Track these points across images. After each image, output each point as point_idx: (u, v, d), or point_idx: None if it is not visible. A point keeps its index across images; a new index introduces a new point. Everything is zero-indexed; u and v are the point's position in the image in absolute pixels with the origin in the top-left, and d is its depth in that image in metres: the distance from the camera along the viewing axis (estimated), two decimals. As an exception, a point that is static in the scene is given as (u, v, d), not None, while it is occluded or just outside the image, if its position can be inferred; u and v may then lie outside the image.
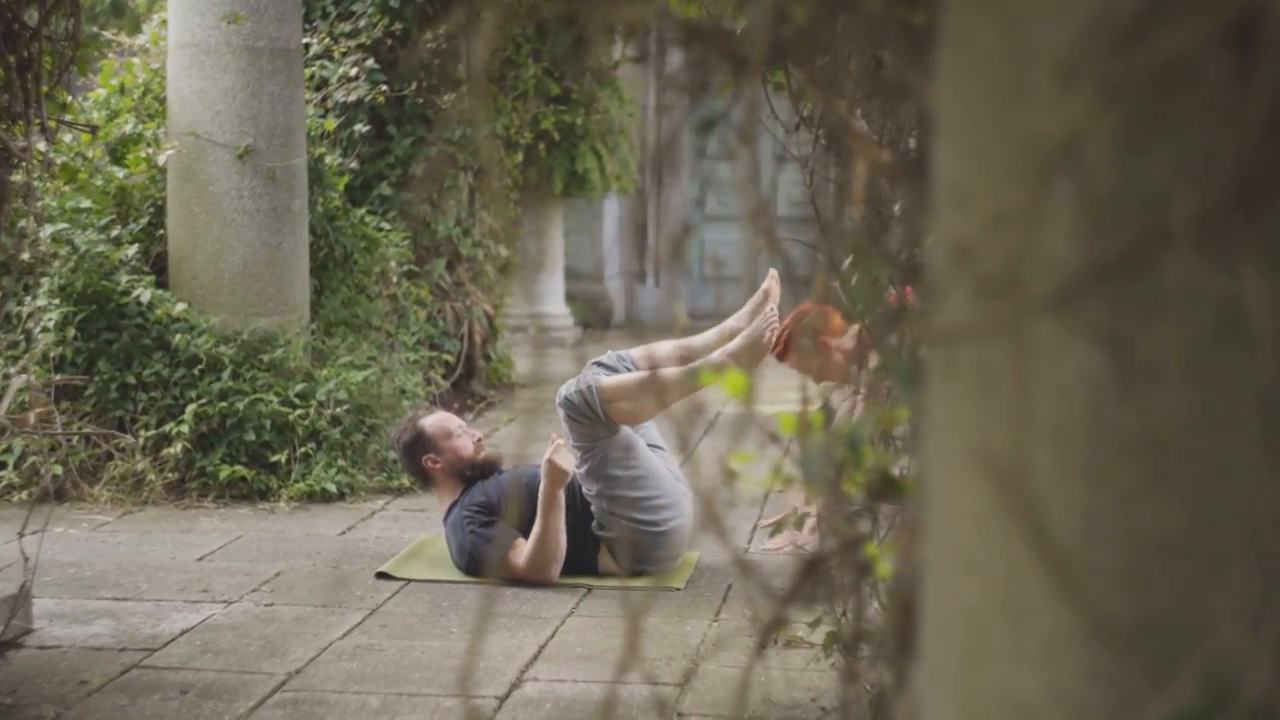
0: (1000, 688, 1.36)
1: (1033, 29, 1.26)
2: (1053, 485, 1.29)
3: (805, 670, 4.58)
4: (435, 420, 5.89)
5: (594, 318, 15.17)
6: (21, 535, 4.38)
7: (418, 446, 5.81)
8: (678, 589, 5.59)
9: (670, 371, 5.85)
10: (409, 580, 5.66)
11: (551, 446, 5.59)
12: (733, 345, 5.81)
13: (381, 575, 5.71)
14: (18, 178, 4.46)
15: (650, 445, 5.92)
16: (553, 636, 4.98)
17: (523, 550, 5.57)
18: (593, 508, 5.70)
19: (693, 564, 5.91)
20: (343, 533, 6.48)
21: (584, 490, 5.71)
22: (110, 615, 5.17)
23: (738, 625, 5.10)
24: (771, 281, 5.93)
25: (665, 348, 6.20)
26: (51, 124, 4.71)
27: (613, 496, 5.64)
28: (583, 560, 5.71)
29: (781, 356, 5.86)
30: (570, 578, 5.66)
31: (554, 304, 13.81)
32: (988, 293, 1.28)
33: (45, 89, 4.65)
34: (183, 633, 4.97)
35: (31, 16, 4.63)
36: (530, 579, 5.55)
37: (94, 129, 5.66)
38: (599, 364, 5.85)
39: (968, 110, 1.31)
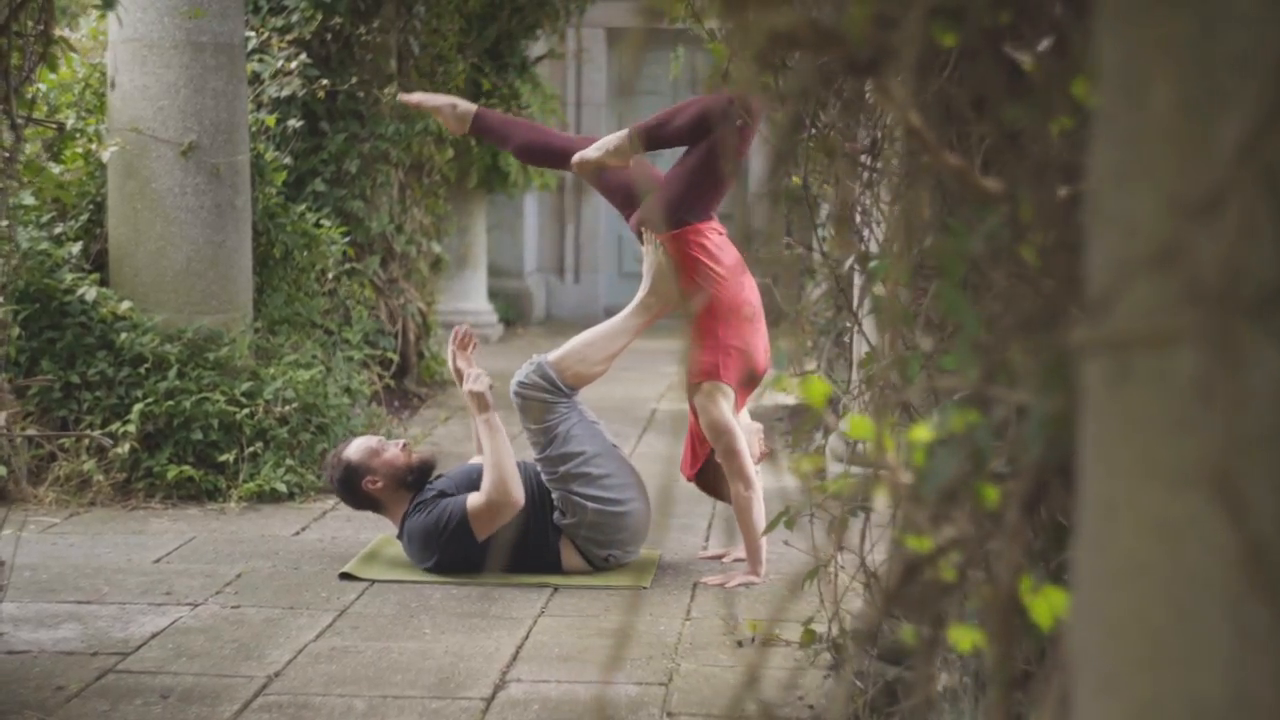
0: (1181, 694, 1.36)
1: (1231, 34, 1.27)
2: (1247, 491, 1.30)
3: (788, 669, 4.60)
4: (357, 446, 5.88)
5: (515, 314, 15.13)
6: (-5, 539, 4.31)
7: (353, 476, 5.81)
8: (645, 588, 5.59)
9: (605, 324, 5.90)
10: (373, 581, 5.62)
11: (468, 378, 5.71)
12: (646, 284, 5.83)
13: (344, 576, 5.67)
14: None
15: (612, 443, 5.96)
16: (527, 637, 4.96)
17: (479, 495, 5.62)
18: (554, 495, 5.70)
19: (655, 563, 5.92)
20: (297, 533, 6.42)
21: (545, 477, 5.71)
22: (75, 619, 5.10)
23: (711, 624, 5.12)
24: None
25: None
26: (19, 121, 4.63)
27: (577, 474, 5.65)
28: (546, 558, 5.71)
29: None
30: (535, 576, 5.65)
31: (477, 300, 13.76)
32: (1190, 299, 1.28)
33: (45, 77, 4.57)
34: (153, 636, 4.90)
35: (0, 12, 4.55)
36: (498, 511, 5.58)
37: (61, 126, 5.55)
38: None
39: (1163, 116, 1.32)
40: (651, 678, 4.54)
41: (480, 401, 5.71)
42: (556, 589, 5.56)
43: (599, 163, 5.62)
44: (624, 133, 5.64)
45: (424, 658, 4.71)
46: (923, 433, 2.13)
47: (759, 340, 5.77)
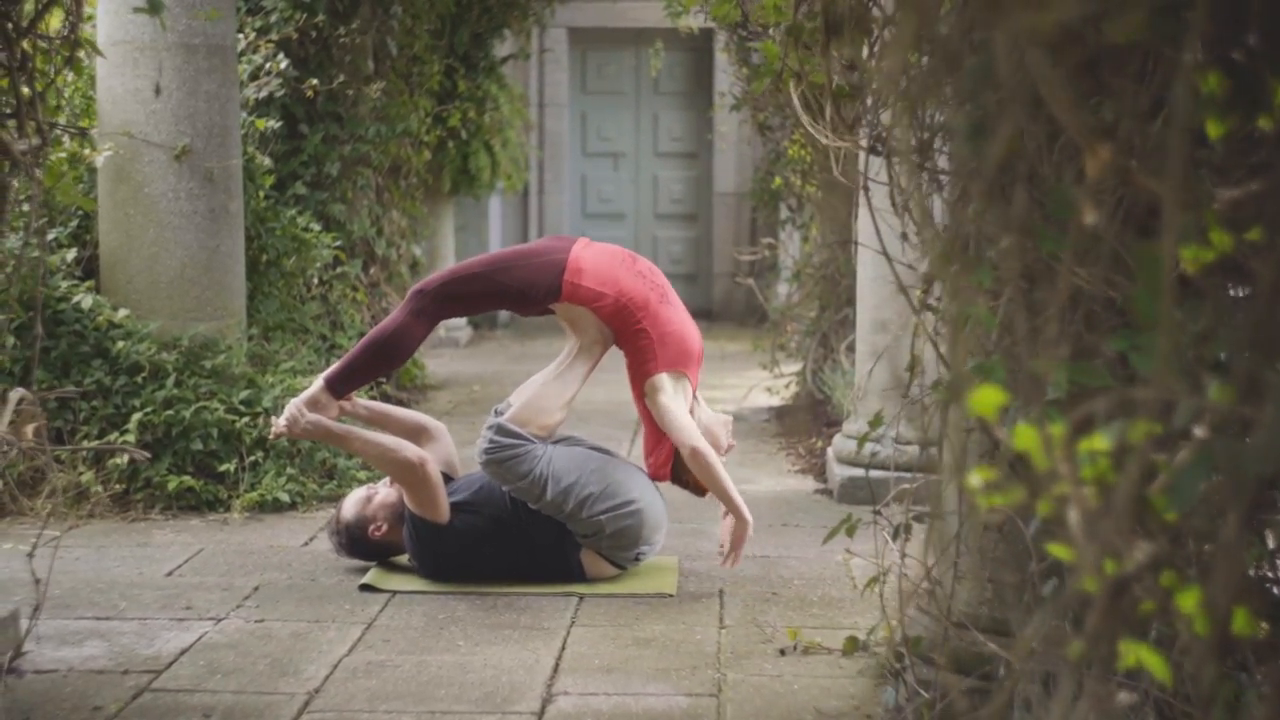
0: None
1: None
2: None
3: (836, 678, 4.54)
4: (348, 505, 5.85)
5: (480, 317, 15.03)
6: (31, 555, 4.19)
7: (358, 533, 5.79)
8: (671, 595, 5.52)
9: (549, 371, 5.79)
10: (394, 592, 5.53)
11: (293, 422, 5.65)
12: (574, 336, 5.79)
13: (365, 588, 5.57)
14: (19, 182, 4.27)
15: (593, 449, 5.85)
16: (564, 648, 4.87)
17: (407, 496, 5.62)
18: (568, 527, 5.60)
19: (676, 569, 5.85)
20: (305, 543, 6.31)
21: (555, 518, 5.60)
22: (99, 635, 4.97)
23: (748, 632, 5.05)
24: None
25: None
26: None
27: (580, 501, 5.56)
28: (568, 568, 5.63)
29: (687, 484, 5.92)
30: (560, 586, 5.58)
31: (445, 303, 13.63)
32: None
33: (40, 87, 4.46)
34: (182, 652, 4.79)
35: (25, 13, 4.44)
36: (417, 487, 5.56)
37: (83, 131, 5.41)
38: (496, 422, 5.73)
39: None
40: (700, 689, 4.47)
41: (318, 431, 5.64)
42: (582, 598, 5.47)
43: (305, 424, 5.66)
44: (318, 383, 5.71)
45: (464, 671, 4.62)
46: (1099, 443, 2.06)
47: (682, 315, 5.72)
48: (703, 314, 16.54)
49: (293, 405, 5.63)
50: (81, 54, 4.57)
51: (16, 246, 6.55)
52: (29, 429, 4.46)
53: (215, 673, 4.59)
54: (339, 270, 8.48)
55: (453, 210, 13.62)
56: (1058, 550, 2.15)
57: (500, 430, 5.61)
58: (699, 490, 5.87)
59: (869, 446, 6.54)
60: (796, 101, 7.14)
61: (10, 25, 4.41)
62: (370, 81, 9.51)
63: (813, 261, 9.91)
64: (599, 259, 5.62)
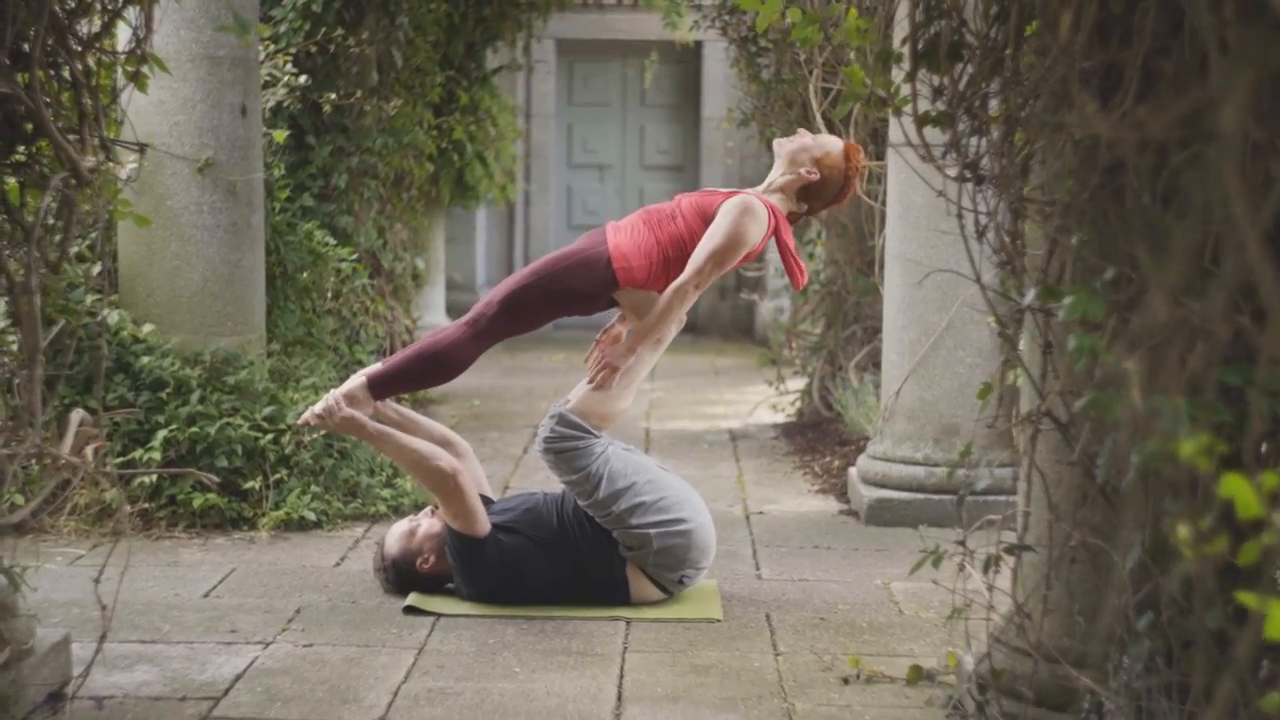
0: None
1: None
2: None
3: (905, 708, 4.50)
4: (392, 540, 5.76)
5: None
6: (98, 581, 4.11)
7: (405, 567, 5.71)
8: (718, 620, 5.46)
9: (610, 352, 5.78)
10: (439, 615, 5.46)
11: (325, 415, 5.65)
12: (635, 324, 5.75)
13: (410, 610, 5.50)
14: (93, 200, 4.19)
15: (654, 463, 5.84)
16: (623, 675, 4.81)
17: (442, 508, 5.60)
18: (615, 534, 5.57)
19: (718, 593, 5.80)
20: (337, 563, 6.23)
21: (600, 520, 5.58)
22: (146, 660, 4.89)
23: (805, 660, 4.99)
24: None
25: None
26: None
27: (633, 506, 5.54)
28: (614, 592, 5.58)
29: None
30: (606, 610, 5.52)
31: (436, 315, 13.58)
32: None
33: (105, 101, 4.39)
34: (236, 678, 4.70)
35: (89, 27, 4.36)
36: (452, 496, 5.51)
37: (143, 147, 5.28)
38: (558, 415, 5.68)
39: None
40: (771, 719, 4.41)
41: (352, 426, 5.63)
42: (630, 622, 5.42)
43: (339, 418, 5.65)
44: (359, 379, 5.69)
45: (527, 699, 4.55)
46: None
47: (692, 199, 5.69)
48: (687, 328, 16.49)
49: (330, 397, 5.60)
50: (145, 69, 4.46)
51: (79, 267, 6.45)
52: (88, 450, 4.37)
53: (275, 700, 4.51)
54: (358, 283, 8.40)
55: (443, 222, 13.56)
56: (1253, 601, 2.11)
57: (562, 420, 5.60)
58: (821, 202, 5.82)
59: (960, 473, 6.46)
60: (820, 120, 7.11)
61: (74, 39, 4.34)
62: (376, 93, 9.44)
63: (820, 278, 9.87)
64: (632, 235, 5.62)
